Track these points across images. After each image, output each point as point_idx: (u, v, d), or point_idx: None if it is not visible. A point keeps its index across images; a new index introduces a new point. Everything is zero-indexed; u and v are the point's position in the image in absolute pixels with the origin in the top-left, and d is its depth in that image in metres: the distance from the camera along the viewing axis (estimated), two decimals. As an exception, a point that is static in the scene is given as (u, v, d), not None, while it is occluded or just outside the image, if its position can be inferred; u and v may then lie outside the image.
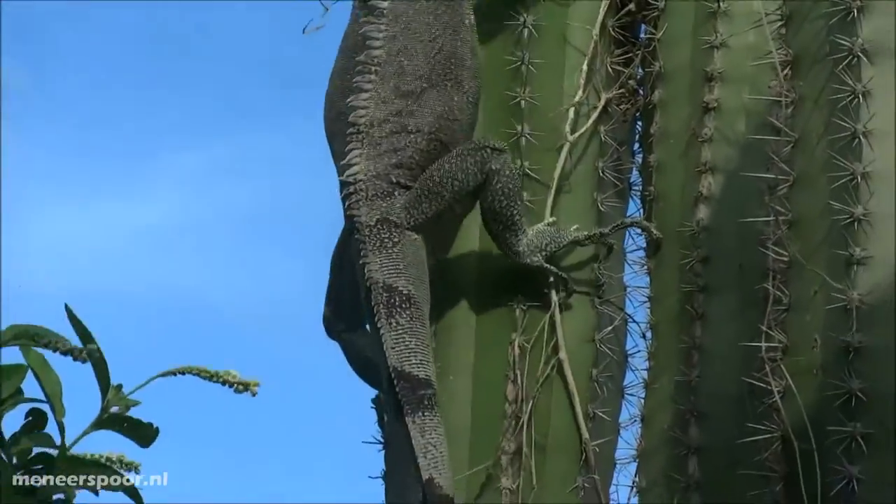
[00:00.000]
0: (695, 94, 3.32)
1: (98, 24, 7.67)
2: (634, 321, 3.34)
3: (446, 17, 3.15)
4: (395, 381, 2.90)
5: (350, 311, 3.22)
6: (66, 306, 2.22)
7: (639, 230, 3.34)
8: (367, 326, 3.11)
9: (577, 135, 3.31)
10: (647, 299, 3.35)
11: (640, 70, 3.46)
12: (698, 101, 3.31)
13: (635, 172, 3.46)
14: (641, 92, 3.46)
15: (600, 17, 3.38)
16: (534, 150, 3.31)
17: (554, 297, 3.22)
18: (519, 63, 3.34)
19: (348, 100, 3.08)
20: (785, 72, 3.12)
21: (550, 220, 3.24)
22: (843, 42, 2.97)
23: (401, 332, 2.95)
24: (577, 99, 3.31)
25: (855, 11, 2.97)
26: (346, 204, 3.07)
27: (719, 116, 3.28)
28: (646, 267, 3.35)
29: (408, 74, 3.10)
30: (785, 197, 3.05)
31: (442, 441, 2.87)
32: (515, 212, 3.09)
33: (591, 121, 3.34)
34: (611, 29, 3.42)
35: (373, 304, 2.98)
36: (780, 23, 3.18)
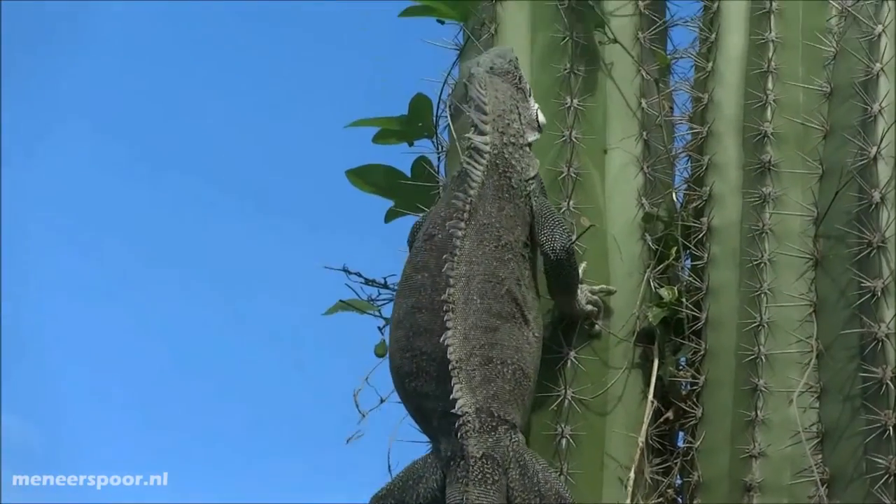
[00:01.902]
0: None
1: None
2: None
3: (511, 265, 3.27)
4: None
5: None
6: None
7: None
8: None
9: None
10: None
11: (678, 479, 3.46)
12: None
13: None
14: (681, 501, 3.45)
15: (645, 426, 3.42)
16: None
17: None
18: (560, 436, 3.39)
19: (441, 339, 3.16)
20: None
21: None
22: (879, 461, 2.99)
23: None
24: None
25: (891, 429, 3.00)
26: (458, 434, 3.13)
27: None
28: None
29: (482, 312, 3.20)
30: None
31: None
32: None
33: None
34: (649, 438, 3.44)
35: None
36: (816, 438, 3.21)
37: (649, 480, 3.44)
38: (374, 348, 3.69)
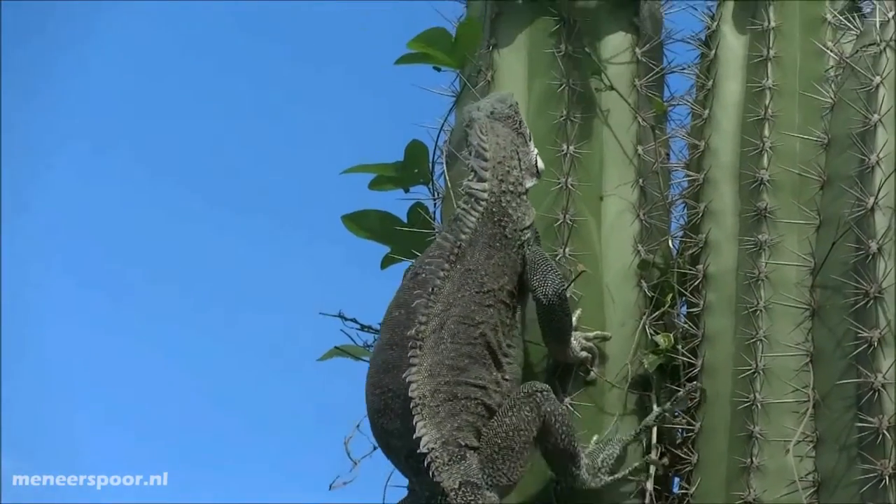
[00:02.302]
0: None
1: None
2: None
3: (489, 312, 3.27)
4: None
5: None
6: None
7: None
8: None
9: None
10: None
11: (675, 527, 3.47)
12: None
13: None
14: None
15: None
16: None
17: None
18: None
19: (404, 375, 3.17)
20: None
21: (594, 439, 3.39)
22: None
23: None
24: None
25: (887, 479, 3.01)
26: (428, 472, 3.13)
27: None
28: None
29: (451, 352, 3.21)
30: None
31: None
32: (575, 443, 3.25)
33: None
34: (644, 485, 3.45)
35: None
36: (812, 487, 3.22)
37: (645, 526, 3.44)
38: None
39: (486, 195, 3.33)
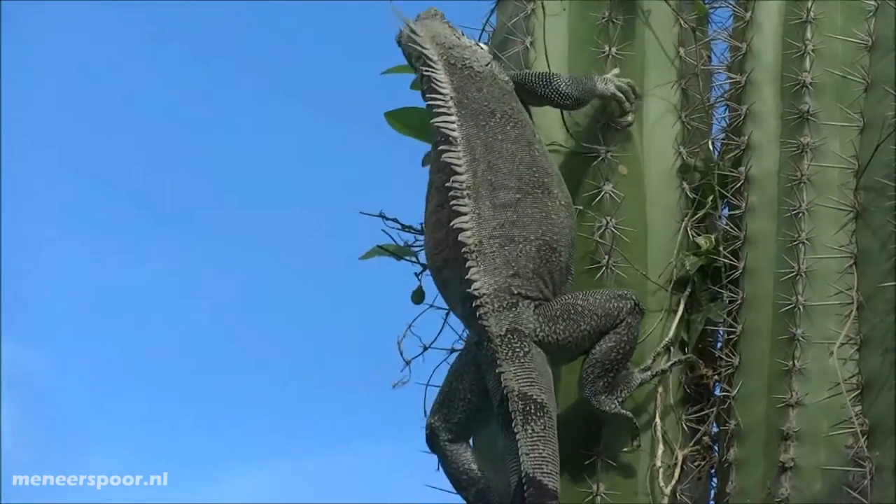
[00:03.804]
0: (770, 452, 3.35)
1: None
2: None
3: (515, 132, 3.35)
4: (526, 487, 3.05)
5: (463, 421, 3.30)
6: None
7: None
8: (497, 435, 3.20)
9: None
10: None
11: (714, 427, 3.48)
12: (774, 460, 3.34)
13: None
14: (717, 449, 3.47)
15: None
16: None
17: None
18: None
19: (451, 223, 3.22)
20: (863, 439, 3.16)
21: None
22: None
23: (536, 439, 3.10)
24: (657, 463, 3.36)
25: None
26: (476, 316, 3.19)
27: (796, 476, 3.30)
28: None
29: (498, 189, 3.27)
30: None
31: None
32: (618, 366, 3.24)
33: (669, 484, 3.36)
34: (685, 386, 3.47)
35: (510, 410, 3.10)
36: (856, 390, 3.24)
37: (685, 428, 3.46)
38: (411, 295, 3.71)
39: (433, 53, 3.43)
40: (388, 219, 3.73)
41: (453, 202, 3.24)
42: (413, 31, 3.47)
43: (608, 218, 3.49)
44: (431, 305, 3.70)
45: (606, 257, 3.48)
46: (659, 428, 3.42)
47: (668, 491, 3.37)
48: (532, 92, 3.44)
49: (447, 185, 3.27)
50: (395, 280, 3.74)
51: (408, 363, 3.61)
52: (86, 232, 7.22)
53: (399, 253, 3.73)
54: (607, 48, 3.59)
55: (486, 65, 3.43)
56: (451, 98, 3.36)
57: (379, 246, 3.75)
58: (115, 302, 6.96)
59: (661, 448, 3.41)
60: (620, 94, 3.50)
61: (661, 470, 3.39)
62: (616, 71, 3.53)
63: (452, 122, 3.32)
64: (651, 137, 3.59)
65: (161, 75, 7.36)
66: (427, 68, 3.42)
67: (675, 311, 3.50)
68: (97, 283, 7.08)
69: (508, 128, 3.34)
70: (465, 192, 3.25)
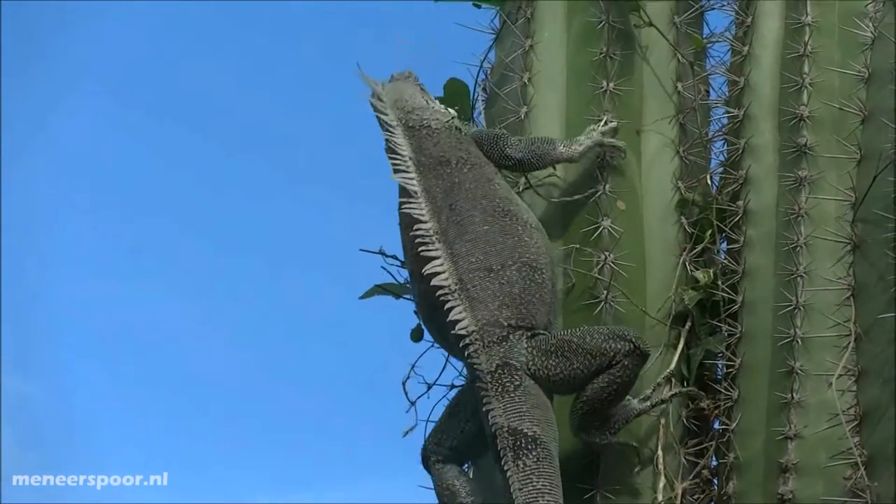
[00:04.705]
0: (769, 485, 3.36)
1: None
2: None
3: (473, 172, 3.38)
4: None
5: (456, 447, 3.32)
6: None
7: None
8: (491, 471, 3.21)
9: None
10: None
11: (714, 460, 3.48)
12: (773, 492, 3.34)
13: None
14: (716, 482, 3.47)
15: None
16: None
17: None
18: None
19: (423, 270, 3.25)
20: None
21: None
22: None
23: (528, 473, 3.08)
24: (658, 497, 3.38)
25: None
26: (466, 355, 3.20)
27: (794, 509, 3.29)
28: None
29: (466, 226, 3.30)
30: None
31: None
32: (608, 405, 3.22)
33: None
34: (685, 420, 3.46)
35: (499, 448, 3.10)
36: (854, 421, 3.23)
37: (684, 461, 3.46)
38: (411, 333, 3.71)
39: (392, 118, 3.47)
40: (388, 256, 3.74)
41: (421, 248, 3.27)
42: (379, 98, 3.52)
43: (607, 253, 3.49)
44: (433, 345, 3.69)
45: (605, 292, 3.48)
46: (661, 461, 3.41)
47: (667, 524, 3.36)
48: (481, 149, 3.47)
49: (412, 234, 3.30)
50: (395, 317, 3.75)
51: (413, 403, 3.61)
52: (86, 232, 7.24)
53: (398, 292, 3.73)
54: (605, 83, 3.60)
55: (446, 122, 3.48)
56: (410, 158, 3.40)
57: (378, 285, 3.75)
58: (118, 302, 6.97)
59: (661, 481, 3.40)
60: (600, 148, 3.52)
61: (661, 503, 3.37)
62: (604, 128, 3.53)
63: (412, 178, 3.36)
64: (649, 172, 3.60)
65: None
66: (387, 133, 3.47)
67: (675, 346, 3.49)
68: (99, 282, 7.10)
69: (465, 170, 3.38)
70: (433, 238, 3.28)
